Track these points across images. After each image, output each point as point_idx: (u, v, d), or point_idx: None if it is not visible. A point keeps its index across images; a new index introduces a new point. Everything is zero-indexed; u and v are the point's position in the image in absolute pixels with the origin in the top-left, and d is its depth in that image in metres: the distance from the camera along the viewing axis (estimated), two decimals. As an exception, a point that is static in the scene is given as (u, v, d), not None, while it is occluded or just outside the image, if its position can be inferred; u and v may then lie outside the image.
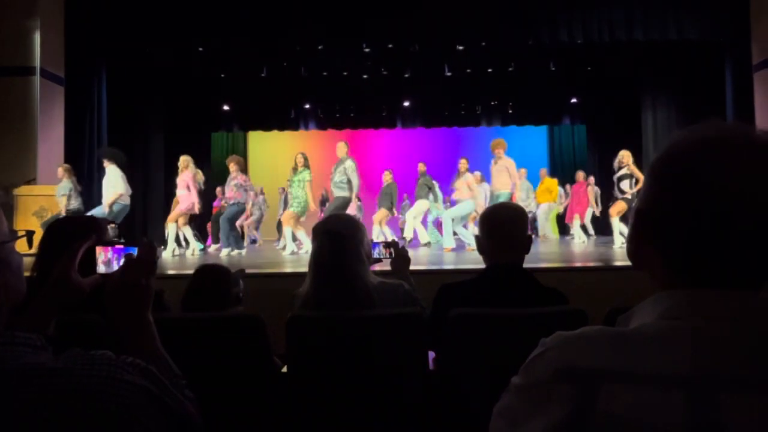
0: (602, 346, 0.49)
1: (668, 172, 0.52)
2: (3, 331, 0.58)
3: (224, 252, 6.16)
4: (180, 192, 6.35)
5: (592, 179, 8.66)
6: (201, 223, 8.02)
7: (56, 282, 0.76)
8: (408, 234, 7.09)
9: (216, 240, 7.13)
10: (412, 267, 2.02)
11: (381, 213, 7.28)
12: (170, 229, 6.36)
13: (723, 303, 0.49)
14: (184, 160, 6.34)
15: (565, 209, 8.85)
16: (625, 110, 9.21)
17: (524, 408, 0.49)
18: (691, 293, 0.50)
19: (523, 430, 0.48)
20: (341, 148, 6.22)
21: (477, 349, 1.47)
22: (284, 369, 1.62)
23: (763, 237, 0.49)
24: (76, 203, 5.78)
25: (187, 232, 6.51)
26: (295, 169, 6.37)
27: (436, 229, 7.78)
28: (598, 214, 8.32)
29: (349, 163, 6.04)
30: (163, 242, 6.96)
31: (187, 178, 6.23)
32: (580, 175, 8.56)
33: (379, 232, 6.96)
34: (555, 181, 8.64)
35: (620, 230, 5.83)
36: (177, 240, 6.53)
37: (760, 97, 6.69)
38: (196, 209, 6.35)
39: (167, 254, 6.13)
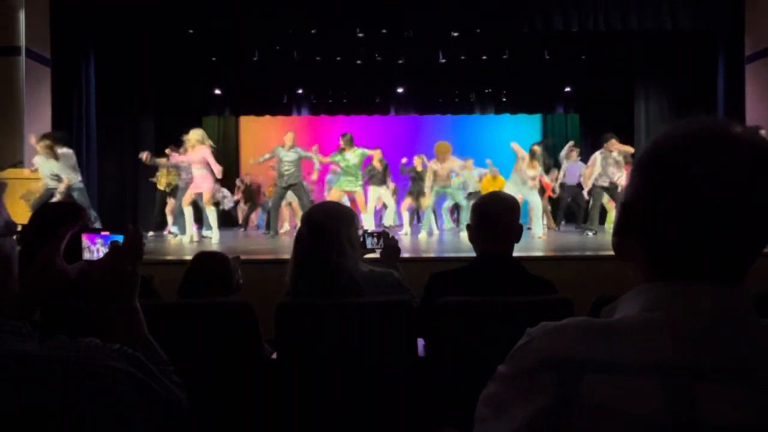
0: (585, 337, 0.50)
1: (652, 167, 0.53)
2: None
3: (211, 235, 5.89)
4: (197, 171, 5.53)
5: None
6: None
7: (40, 268, 0.75)
8: (388, 221, 7.10)
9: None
10: (403, 255, 2.03)
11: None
12: (187, 213, 5.69)
13: (703, 295, 0.50)
14: (199, 135, 5.54)
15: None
16: (619, 100, 9.22)
17: (509, 396, 0.50)
18: (672, 286, 0.51)
19: (507, 418, 0.49)
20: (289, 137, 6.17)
21: (465, 337, 1.49)
22: (274, 355, 1.63)
23: (743, 231, 0.49)
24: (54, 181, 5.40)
25: (212, 215, 5.68)
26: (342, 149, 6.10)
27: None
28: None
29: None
30: (158, 228, 6.83)
31: (206, 154, 5.51)
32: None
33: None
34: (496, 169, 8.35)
35: None
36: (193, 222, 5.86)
37: (751, 88, 6.73)
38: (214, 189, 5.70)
39: (186, 240, 5.64)
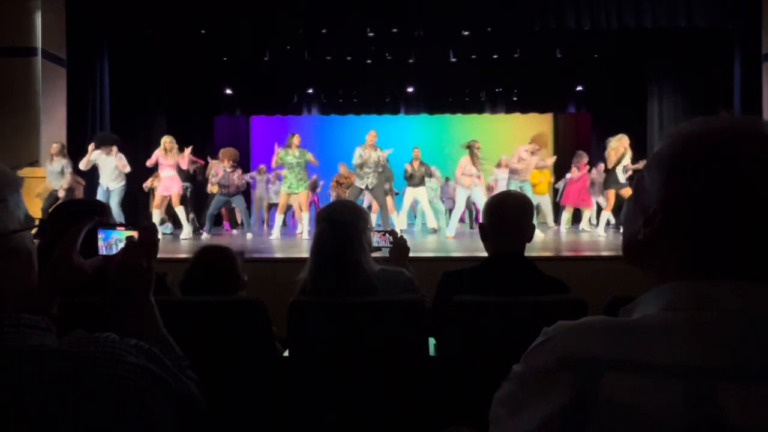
0: (605, 336, 0.49)
1: (683, 166, 0.51)
2: (9, 313, 0.58)
3: (249, 235, 6.35)
4: (169, 173, 6.07)
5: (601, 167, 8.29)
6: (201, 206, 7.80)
7: (57, 263, 0.76)
8: (431, 223, 7.03)
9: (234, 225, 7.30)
10: (413, 254, 2.03)
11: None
12: (156, 216, 6.20)
13: (725, 294, 0.49)
14: (173, 141, 6.12)
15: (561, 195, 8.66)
16: (631, 99, 9.10)
17: (525, 396, 0.50)
18: (694, 285, 0.50)
19: (523, 418, 0.48)
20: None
21: (478, 337, 1.48)
22: (285, 353, 1.63)
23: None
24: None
25: (181, 212, 6.30)
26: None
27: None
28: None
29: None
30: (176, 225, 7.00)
31: (182, 159, 6.10)
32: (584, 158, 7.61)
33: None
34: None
35: None
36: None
37: (768, 87, 6.60)
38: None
39: (185, 235, 6.11)
